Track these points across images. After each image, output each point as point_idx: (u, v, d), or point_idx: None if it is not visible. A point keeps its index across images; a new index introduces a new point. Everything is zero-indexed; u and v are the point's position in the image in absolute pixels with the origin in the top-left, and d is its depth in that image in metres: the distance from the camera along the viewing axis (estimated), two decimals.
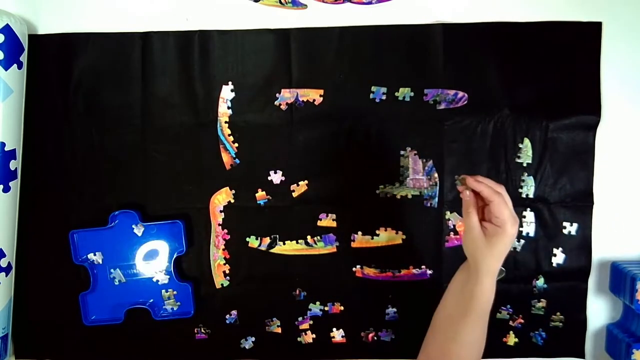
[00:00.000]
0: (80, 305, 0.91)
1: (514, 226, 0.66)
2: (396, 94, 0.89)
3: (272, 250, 0.93)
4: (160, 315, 0.92)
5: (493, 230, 0.67)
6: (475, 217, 0.69)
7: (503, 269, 0.91)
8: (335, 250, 0.92)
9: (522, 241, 0.91)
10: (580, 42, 0.88)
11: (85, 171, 0.92)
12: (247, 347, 0.95)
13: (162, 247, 0.91)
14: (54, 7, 0.90)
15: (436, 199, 0.91)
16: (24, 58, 0.85)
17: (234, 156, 0.91)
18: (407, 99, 0.90)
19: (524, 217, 0.90)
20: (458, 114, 0.89)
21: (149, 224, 0.90)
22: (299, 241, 0.92)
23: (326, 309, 0.94)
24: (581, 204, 0.90)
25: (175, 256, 0.91)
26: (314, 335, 0.95)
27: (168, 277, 0.91)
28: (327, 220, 0.92)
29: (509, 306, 0.92)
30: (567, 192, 0.90)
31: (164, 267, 0.91)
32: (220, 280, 0.93)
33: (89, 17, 0.90)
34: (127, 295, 0.92)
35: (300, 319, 0.94)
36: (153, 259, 0.91)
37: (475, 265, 0.69)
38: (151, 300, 0.92)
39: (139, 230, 0.90)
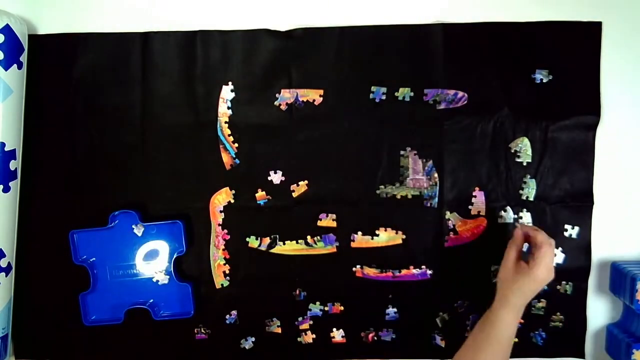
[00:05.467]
0: (80, 305, 0.91)
1: (544, 273, 0.74)
2: (396, 94, 0.89)
3: (272, 250, 0.93)
4: (160, 315, 0.92)
5: (524, 269, 0.76)
6: (514, 252, 0.78)
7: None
8: (335, 250, 0.92)
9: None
10: (580, 42, 0.88)
11: (85, 171, 0.92)
12: (247, 347, 0.95)
13: (162, 247, 0.91)
14: (54, 7, 0.91)
15: (436, 199, 0.91)
16: (24, 58, 0.85)
17: (234, 156, 0.91)
18: (407, 99, 0.90)
19: (521, 217, 0.90)
20: (458, 114, 0.89)
21: (149, 224, 0.90)
22: (299, 241, 0.92)
23: (326, 309, 0.94)
24: (581, 204, 0.90)
25: (175, 256, 0.91)
26: (314, 335, 0.94)
27: (168, 277, 0.91)
28: (327, 220, 0.92)
29: None
30: (567, 192, 0.90)
31: (164, 267, 0.91)
32: (220, 280, 0.93)
33: (89, 17, 0.91)
34: (127, 295, 0.92)
35: (300, 319, 0.94)
36: (153, 259, 0.91)
37: (499, 294, 0.78)
38: (151, 301, 0.92)
39: (139, 230, 0.90)
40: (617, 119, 0.89)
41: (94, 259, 0.91)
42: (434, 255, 0.92)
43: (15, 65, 0.83)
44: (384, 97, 0.90)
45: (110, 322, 0.92)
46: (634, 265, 0.87)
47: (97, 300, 0.92)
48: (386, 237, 0.92)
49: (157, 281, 0.92)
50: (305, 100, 0.90)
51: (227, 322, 0.94)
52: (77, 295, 0.91)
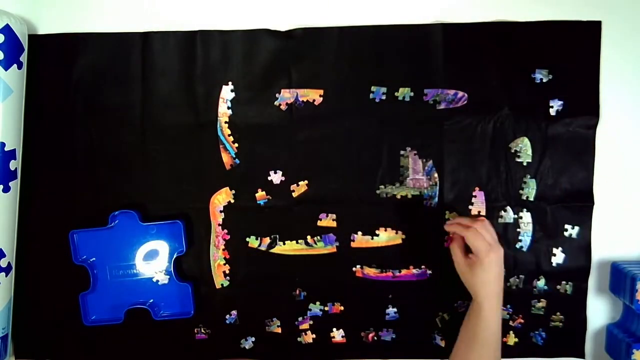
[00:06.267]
0: (80, 305, 0.91)
1: (489, 254, 0.75)
2: (396, 94, 0.89)
3: (272, 250, 0.93)
4: (160, 315, 0.92)
5: (474, 260, 0.77)
6: (457, 251, 0.80)
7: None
8: (335, 250, 0.92)
9: (522, 242, 0.91)
10: (580, 41, 0.88)
11: (85, 171, 0.92)
12: (247, 347, 0.95)
13: (162, 247, 0.91)
14: (54, 7, 0.91)
15: (436, 199, 0.91)
16: (24, 58, 0.85)
17: (234, 156, 0.91)
18: (407, 99, 0.90)
19: (521, 217, 0.90)
20: (458, 114, 0.89)
21: (149, 224, 0.90)
22: (299, 241, 0.92)
23: (326, 309, 0.94)
24: (581, 204, 0.90)
25: (175, 256, 0.91)
26: (314, 335, 0.95)
27: (168, 277, 0.92)
28: (327, 220, 0.92)
29: (509, 306, 0.92)
30: (567, 192, 0.90)
31: (164, 267, 0.91)
32: (220, 280, 0.93)
33: (89, 17, 0.91)
34: (127, 295, 0.92)
35: (300, 319, 0.94)
36: (153, 259, 0.91)
37: (470, 291, 0.79)
38: (151, 301, 0.92)
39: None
40: (617, 119, 0.89)
41: (94, 259, 0.91)
42: (434, 255, 0.92)
43: (15, 65, 0.83)
44: (384, 97, 0.90)
45: (110, 322, 0.92)
46: (634, 265, 0.87)
47: (97, 300, 0.92)
48: (386, 237, 0.92)
49: (157, 281, 0.92)
50: (305, 100, 0.90)
51: (227, 322, 0.94)
52: (77, 295, 0.91)
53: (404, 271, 0.92)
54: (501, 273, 0.77)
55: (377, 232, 0.92)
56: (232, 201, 0.92)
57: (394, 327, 0.94)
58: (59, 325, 0.95)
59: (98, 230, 0.90)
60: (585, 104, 0.89)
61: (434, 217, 0.91)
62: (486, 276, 0.74)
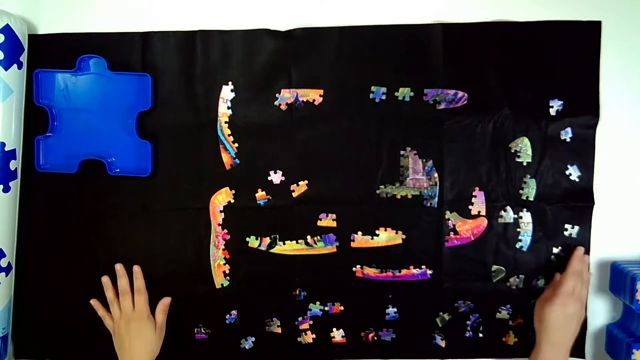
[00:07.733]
0: (35, 150, 0.87)
1: (560, 306, 0.80)
2: (396, 93, 0.90)
3: (272, 250, 0.93)
4: (115, 171, 0.89)
5: (552, 296, 0.82)
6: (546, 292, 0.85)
7: (503, 268, 0.92)
8: (335, 250, 0.92)
9: (522, 242, 0.91)
10: (580, 41, 0.88)
11: (86, 172, 0.92)
12: (247, 347, 0.95)
13: (127, 99, 0.87)
14: (54, 7, 0.91)
15: (436, 199, 0.91)
16: (24, 58, 0.85)
17: (234, 156, 0.91)
18: (407, 98, 0.90)
19: (521, 217, 0.90)
20: (458, 113, 0.89)
21: (118, 73, 0.87)
22: (299, 241, 0.92)
23: (326, 309, 0.94)
24: (581, 204, 0.90)
25: (140, 111, 0.87)
26: (314, 335, 0.95)
27: (130, 131, 0.88)
28: (327, 220, 0.92)
29: (509, 306, 0.92)
30: (567, 192, 0.90)
31: (128, 121, 0.88)
32: (220, 280, 0.93)
33: (89, 17, 0.91)
34: (85, 145, 0.88)
35: (300, 319, 0.94)
36: (117, 111, 0.88)
37: (536, 332, 0.85)
38: (108, 154, 0.88)
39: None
40: (617, 119, 0.89)
41: (56, 102, 0.87)
42: (434, 255, 0.92)
43: (15, 65, 0.83)
44: (384, 97, 0.90)
45: (63, 171, 0.88)
46: (634, 265, 0.87)
47: (53, 147, 0.88)
48: (386, 237, 0.92)
49: (120, 135, 0.87)
50: (305, 100, 0.90)
51: (227, 322, 0.94)
52: (77, 295, 0.91)
53: (404, 271, 0.92)
54: (573, 326, 0.81)
55: (377, 232, 0.92)
56: (232, 201, 0.92)
57: (394, 327, 0.94)
58: (59, 325, 0.95)
59: (64, 71, 0.87)
60: (585, 104, 0.89)
61: (434, 217, 0.91)
62: (548, 322, 0.80)
